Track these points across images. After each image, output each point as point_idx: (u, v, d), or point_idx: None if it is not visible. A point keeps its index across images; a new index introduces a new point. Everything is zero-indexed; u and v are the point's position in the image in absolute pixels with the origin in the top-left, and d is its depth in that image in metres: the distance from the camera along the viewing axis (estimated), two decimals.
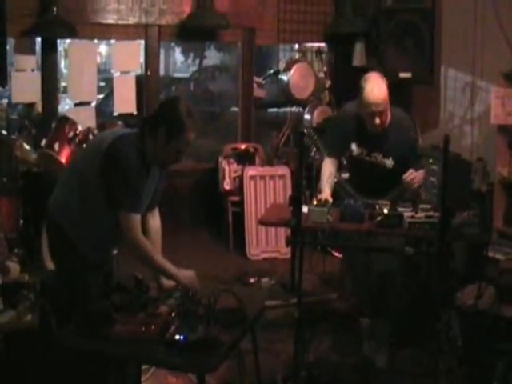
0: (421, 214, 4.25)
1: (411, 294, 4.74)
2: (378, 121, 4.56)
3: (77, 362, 3.37)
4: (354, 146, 4.81)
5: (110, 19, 7.10)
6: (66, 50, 8.18)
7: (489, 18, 6.39)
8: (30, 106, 6.98)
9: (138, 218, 3.46)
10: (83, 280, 3.58)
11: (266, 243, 7.26)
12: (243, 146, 7.72)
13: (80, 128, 5.93)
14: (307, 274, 5.05)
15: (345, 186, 5.03)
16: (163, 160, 3.57)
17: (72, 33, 6.76)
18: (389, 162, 4.73)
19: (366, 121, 4.65)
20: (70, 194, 3.60)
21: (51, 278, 4.21)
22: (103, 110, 9.13)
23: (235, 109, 8.90)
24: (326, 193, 4.69)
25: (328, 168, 4.90)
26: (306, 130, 6.16)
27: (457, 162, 5.99)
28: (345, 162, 5.65)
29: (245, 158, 7.56)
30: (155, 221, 3.84)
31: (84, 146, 5.72)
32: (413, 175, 4.58)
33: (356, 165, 4.96)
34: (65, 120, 6.11)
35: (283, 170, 7.52)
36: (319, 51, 8.44)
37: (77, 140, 5.84)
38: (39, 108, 6.94)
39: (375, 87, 4.51)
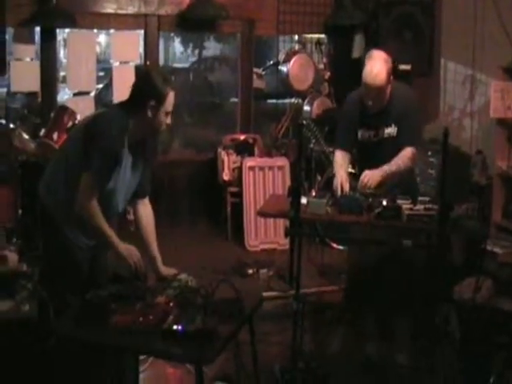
0: (419, 207, 4.25)
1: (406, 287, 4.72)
2: (371, 102, 4.55)
3: (74, 352, 3.37)
4: (361, 132, 4.72)
5: (110, 9, 7.09)
6: (65, 40, 8.15)
7: (489, 10, 6.37)
8: (31, 95, 6.97)
9: (97, 185, 3.49)
10: (70, 261, 3.61)
11: (264, 234, 7.26)
12: (242, 137, 7.71)
13: (79, 118, 5.92)
14: (305, 266, 5.06)
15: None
16: (158, 127, 3.62)
17: (71, 22, 6.76)
18: (391, 130, 4.64)
19: (365, 99, 4.62)
20: (57, 176, 3.64)
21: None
22: (102, 99, 9.13)
23: (235, 100, 8.89)
24: (341, 176, 4.60)
25: (340, 157, 4.79)
26: (305, 122, 6.14)
27: (456, 154, 6.01)
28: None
29: (244, 149, 7.54)
30: (146, 209, 3.85)
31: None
32: (367, 177, 4.50)
33: (365, 151, 4.83)
34: (64, 110, 6.11)
35: (282, 161, 7.51)
36: (319, 42, 8.45)
37: None
38: (39, 97, 6.94)
39: (374, 68, 4.50)
